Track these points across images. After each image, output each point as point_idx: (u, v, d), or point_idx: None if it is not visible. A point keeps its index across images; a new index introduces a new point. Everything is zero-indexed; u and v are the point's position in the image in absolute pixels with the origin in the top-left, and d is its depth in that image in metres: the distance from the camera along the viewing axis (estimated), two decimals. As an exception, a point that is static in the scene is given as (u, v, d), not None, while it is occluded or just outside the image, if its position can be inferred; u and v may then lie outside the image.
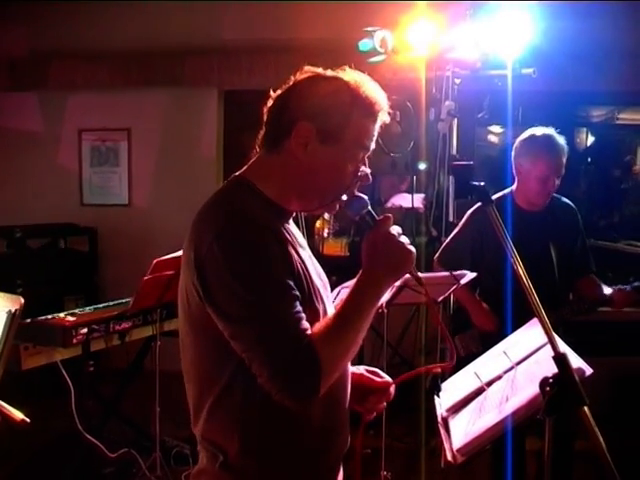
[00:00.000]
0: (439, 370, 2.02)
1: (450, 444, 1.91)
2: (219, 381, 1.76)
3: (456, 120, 5.13)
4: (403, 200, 6.37)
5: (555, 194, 3.82)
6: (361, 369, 2.05)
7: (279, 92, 1.86)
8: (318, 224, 6.38)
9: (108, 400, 4.91)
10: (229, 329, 1.67)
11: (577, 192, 7.55)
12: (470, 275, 3.42)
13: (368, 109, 1.81)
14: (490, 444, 1.92)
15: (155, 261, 4.13)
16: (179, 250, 4.49)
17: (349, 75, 1.83)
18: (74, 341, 4.04)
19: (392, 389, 2.00)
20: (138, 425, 4.95)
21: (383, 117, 1.85)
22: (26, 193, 7.18)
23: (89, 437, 4.21)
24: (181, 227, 6.53)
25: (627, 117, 8.30)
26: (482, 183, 1.93)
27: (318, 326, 1.70)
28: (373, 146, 1.86)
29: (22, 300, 2.89)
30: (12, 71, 7.02)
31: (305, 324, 1.67)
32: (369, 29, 5.01)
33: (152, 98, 6.93)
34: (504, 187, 3.88)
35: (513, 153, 3.81)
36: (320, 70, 1.86)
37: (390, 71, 5.33)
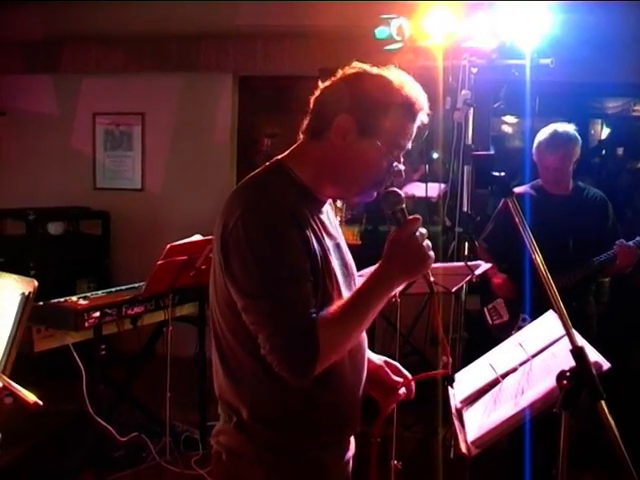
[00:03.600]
0: (439, 374, 2.03)
1: (464, 436, 1.90)
2: (237, 351, 1.88)
3: (472, 109, 5.09)
4: (417, 189, 6.34)
5: (582, 183, 4.27)
6: (381, 361, 2.15)
7: (326, 83, 1.96)
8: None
9: (119, 384, 4.92)
10: (242, 302, 1.80)
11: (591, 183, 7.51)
12: (485, 266, 3.45)
13: (408, 108, 1.88)
14: (505, 437, 1.90)
15: (169, 246, 4.13)
16: (192, 235, 4.51)
17: (393, 74, 1.91)
18: (86, 325, 4.06)
19: (412, 387, 2.09)
20: (148, 410, 4.97)
21: (422, 118, 1.92)
22: (40, 176, 7.19)
23: (100, 420, 4.23)
24: (193, 212, 6.59)
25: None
26: (503, 174, 1.93)
27: (325, 311, 1.79)
28: (409, 145, 1.93)
29: (36, 283, 2.90)
30: (27, 54, 7.01)
31: (311, 307, 1.77)
32: (385, 16, 4.97)
33: (166, 83, 6.91)
34: (519, 177, 4.11)
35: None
36: (367, 67, 1.93)
37: (406, 59, 5.30)
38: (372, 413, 2.07)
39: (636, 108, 8.18)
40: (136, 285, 4.56)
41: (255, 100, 7.21)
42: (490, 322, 4.21)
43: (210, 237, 4.58)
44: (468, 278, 3.49)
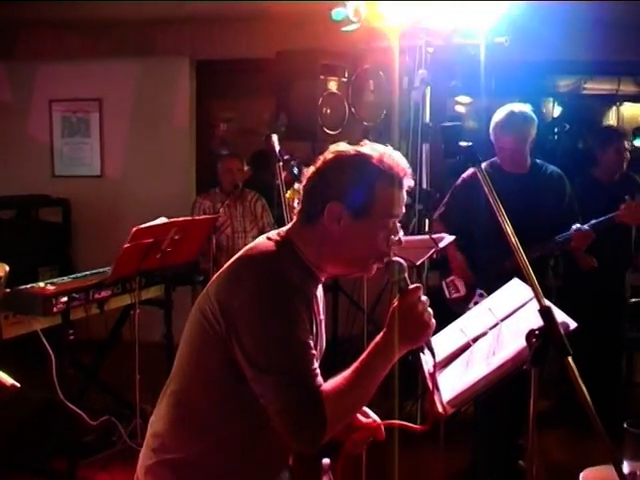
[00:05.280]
0: (417, 428, 2.06)
1: (439, 397, 1.98)
2: (199, 404, 1.96)
3: (429, 88, 5.17)
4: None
5: (539, 160, 4.32)
6: None
7: (310, 172, 1.99)
8: (289, 194, 6.39)
9: (88, 369, 4.93)
10: (251, 373, 1.84)
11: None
12: (448, 238, 3.52)
13: (392, 179, 1.92)
14: (478, 396, 1.99)
15: (134, 229, 4.15)
16: (152, 220, 4.52)
17: (369, 148, 1.96)
18: (54, 310, 4.06)
19: (382, 431, 2.15)
20: (118, 393, 4.99)
21: (408, 182, 1.96)
22: (-4, 164, 7.11)
23: (70, 405, 4.24)
24: (154, 197, 6.60)
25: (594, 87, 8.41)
26: (470, 143, 2.00)
27: (331, 383, 1.85)
28: (403, 210, 1.98)
29: (7, 267, 2.92)
30: (-21, 40, 6.93)
31: (319, 381, 1.84)
32: (342, -2, 5.02)
33: (123, 68, 6.90)
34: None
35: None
36: (343, 147, 1.97)
37: (363, 40, 5.36)
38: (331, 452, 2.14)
39: (586, 86, 8.34)
40: (102, 270, 4.57)
41: (212, 84, 7.22)
42: (448, 296, 4.30)
43: (175, 219, 4.59)
44: (432, 251, 3.56)
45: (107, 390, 5.01)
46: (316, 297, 2.02)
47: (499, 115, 4.17)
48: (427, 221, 5.41)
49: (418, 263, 3.64)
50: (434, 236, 3.47)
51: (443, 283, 4.42)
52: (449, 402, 1.96)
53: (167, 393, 2.04)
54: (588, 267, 4.41)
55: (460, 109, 7.97)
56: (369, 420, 2.16)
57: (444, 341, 2.33)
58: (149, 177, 6.95)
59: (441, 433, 2.94)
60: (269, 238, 1.98)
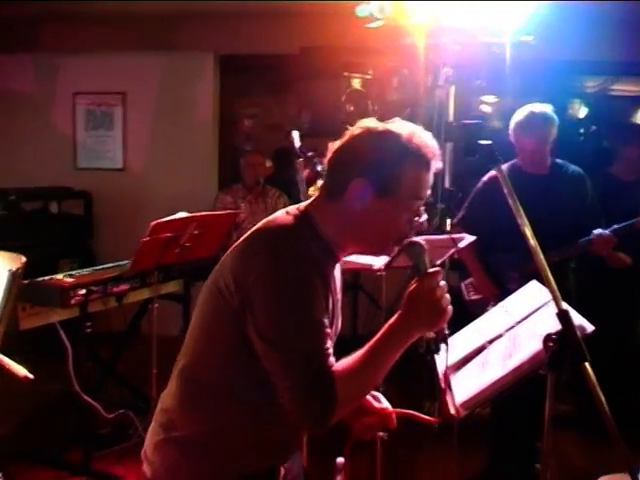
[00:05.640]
0: (430, 420, 2.03)
1: (453, 398, 1.95)
2: (211, 379, 1.92)
3: (453, 87, 5.14)
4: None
5: (560, 160, 4.22)
6: None
7: (336, 146, 1.92)
8: (311, 191, 6.38)
9: (105, 362, 4.94)
10: (263, 349, 1.79)
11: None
12: (469, 238, 3.48)
13: (421, 160, 1.85)
14: (492, 399, 1.96)
15: (153, 223, 4.14)
16: (173, 213, 4.51)
17: (400, 127, 1.87)
18: (72, 302, 4.06)
19: (394, 419, 2.11)
20: (134, 387, 4.99)
21: (436, 165, 1.89)
22: (20, 156, 7.16)
23: (86, 398, 4.25)
24: (175, 191, 6.60)
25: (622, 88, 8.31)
26: (490, 142, 1.96)
27: (343, 363, 1.80)
28: (428, 193, 1.90)
29: (23, 258, 2.91)
30: (5, 33, 6.95)
31: (331, 360, 1.79)
32: (367, -5, 4.99)
33: (148, 62, 6.90)
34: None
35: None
36: (372, 123, 1.90)
37: (388, 37, 5.33)
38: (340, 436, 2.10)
39: (614, 87, 8.24)
40: (121, 263, 4.57)
41: (236, 79, 7.21)
42: (467, 297, 4.26)
43: (194, 214, 4.58)
44: (452, 251, 3.52)
45: (124, 383, 5.02)
46: (333, 275, 1.96)
47: (519, 115, 4.11)
48: (448, 221, 5.38)
49: (437, 263, 3.59)
50: (454, 236, 3.43)
51: (462, 285, 4.38)
52: (462, 404, 1.93)
53: (177, 368, 2.00)
54: (620, 265, 4.31)
55: (485, 109, 7.90)
56: (382, 406, 2.12)
57: (460, 342, 2.29)
58: (171, 171, 6.96)
59: (454, 435, 2.89)
60: (288, 212, 1.92)
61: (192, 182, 6.83)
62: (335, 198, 1.88)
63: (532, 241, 1.89)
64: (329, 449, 2.15)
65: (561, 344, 1.76)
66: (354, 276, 6.20)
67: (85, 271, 4.51)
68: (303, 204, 1.95)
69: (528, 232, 1.90)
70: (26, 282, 4.00)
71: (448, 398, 1.94)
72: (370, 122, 1.91)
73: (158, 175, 6.99)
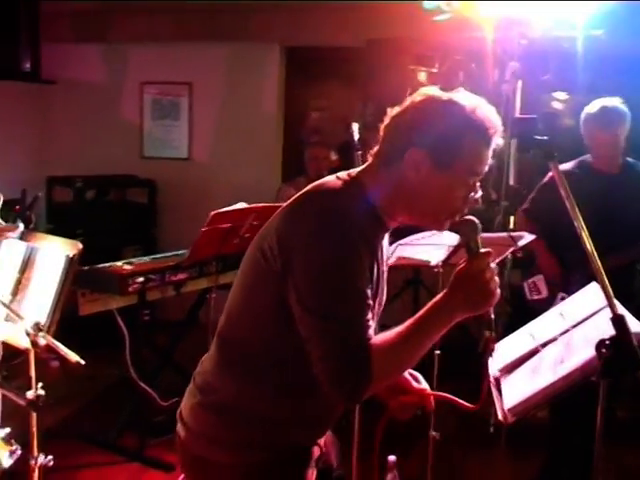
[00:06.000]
0: (468, 406, 1.95)
1: (502, 404, 1.89)
2: (250, 342, 1.88)
3: (520, 82, 5.03)
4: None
5: (632, 159, 4.13)
6: None
7: (395, 112, 1.85)
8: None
9: (162, 350, 4.98)
10: (300, 314, 1.74)
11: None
12: (528, 237, 3.40)
13: (482, 134, 1.79)
14: (542, 405, 1.89)
15: (213, 213, 4.15)
16: (236, 204, 4.52)
17: (464, 98, 1.80)
18: (130, 289, 4.11)
19: (431, 401, 2.05)
20: (191, 376, 5.01)
21: (497, 141, 1.83)
22: (88, 144, 7.28)
23: (142, 385, 4.29)
24: (239, 182, 6.60)
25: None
26: (546, 137, 1.89)
27: (382, 336, 1.74)
28: (486, 170, 1.84)
29: (80, 245, 2.94)
30: (76, 23, 7.07)
31: (370, 333, 1.72)
32: (434, -13, 4.92)
33: (214, 52, 6.92)
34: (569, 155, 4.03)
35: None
36: (435, 92, 1.82)
37: (455, 30, 5.25)
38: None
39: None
40: (181, 252, 4.60)
41: (302, 71, 7.19)
42: (529, 297, 4.16)
43: (254, 205, 4.58)
44: (511, 250, 3.44)
45: (180, 372, 5.05)
46: (381, 245, 1.91)
47: (590, 110, 3.99)
48: (512, 219, 5.27)
49: (497, 261, 3.52)
50: (513, 234, 3.35)
51: (525, 284, 4.28)
52: (511, 410, 1.87)
53: (217, 331, 1.98)
54: None
55: (557, 105, 7.72)
56: (420, 387, 2.07)
57: (512, 345, 2.23)
58: (235, 162, 6.98)
59: (502, 439, 2.84)
60: (338, 177, 1.87)
61: (256, 173, 6.84)
62: (389, 166, 1.83)
63: (588, 245, 1.81)
64: (380, 447, 2.10)
65: (615, 351, 1.69)
66: (415, 271, 6.14)
67: (144, 259, 4.56)
68: (355, 170, 1.89)
69: (584, 235, 1.82)
70: (86, 268, 4.06)
71: (497, 403, 1.88)
72: (433, 90, 1.83)
73: (222, 165, 7.02)
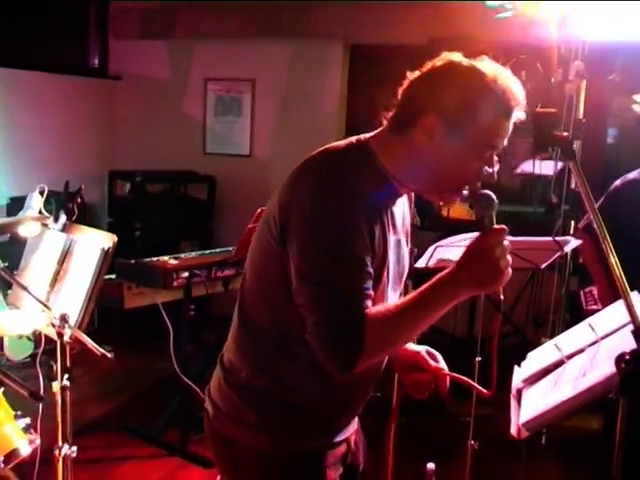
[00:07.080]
0: (484, 392, 1.84)
1: (517, 417, 1.79)
2: (264, 321, 1.83)
3: (584, 82, 4.87)
4: (531, 167, 6.09)
5: None
6: (421, 348, 2.03)
7: (414, 76, 1.78)
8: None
9: (209, 346, 4.98)
10: (296, 281, 1.69)
11: None
12: (574, 242, 3.27)
13: (502, 105, 1.69)
14: (558, 421, 1.78)
15: (260, 209, 4.11)
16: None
17: (486, 66, 1.72)
18: (175, 284, 4.12)
19: (447, 382, 1.95)
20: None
21: (518, 114, 1.73)
22: (151, 140, 7.35)
23: (186, 380, 4.29)
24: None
25: None
26: (565, 134, 1.77)
27: (380, 307, 1.69)
28: (504, 144, 1.74)
29: (115, 238, 2.95)
30: (143, 20, 7.15)
31: (367, 303, 1.66)
32: (498, -15, 4.81)
33: (277, 49, 6.90)
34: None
35: None
36: (457, 57, 1.75)
37: (518, 29, 5.11)
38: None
39: None
40: (229, 248, 4.59)
41: (366, 69, 7.11)
42: (584, 306, 3.99)
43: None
44: (557, 255, 3.31)
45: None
46: (392, 211, 1.82)
47: None
48: (573, 223, 5.12)
49: (543, 266, 3.41)
50: (558, 239, 3.22)
51: (582, 292, 4.12)
52: (525, 424, 1.77)
53: (235, 308, 1.94)
54: None
55: (638, 109, 7.46)
56: (437, 366, 1.97)
57: (539, 355, 2.12)
58: (296, 160, 6.79)
59: (523, 452, 2.71)
60: (347, 141, 1.81)
61: (316, 171, 6.79)
62: (402, 131, 1.75)
63: (613, 258, 1.69)
64: (418, 455, 2.03)
65: (636, 366, 1.58)
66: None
67: (192, 254, 4.56)
68: (365, 135, 1.83)
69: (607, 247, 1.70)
70: (132, 262, 4.09)
71: (513, 417, 1.77)
72: (455, 56, 1.76)
73: (283, 163, 6.89)
